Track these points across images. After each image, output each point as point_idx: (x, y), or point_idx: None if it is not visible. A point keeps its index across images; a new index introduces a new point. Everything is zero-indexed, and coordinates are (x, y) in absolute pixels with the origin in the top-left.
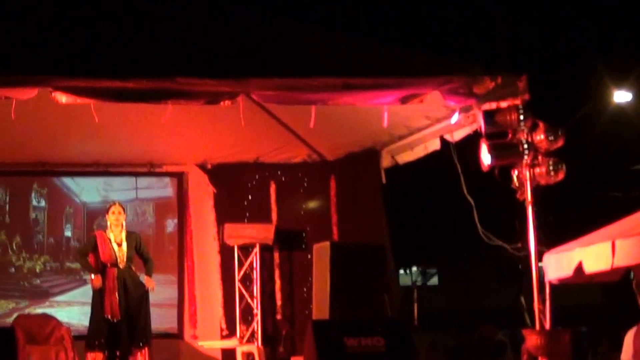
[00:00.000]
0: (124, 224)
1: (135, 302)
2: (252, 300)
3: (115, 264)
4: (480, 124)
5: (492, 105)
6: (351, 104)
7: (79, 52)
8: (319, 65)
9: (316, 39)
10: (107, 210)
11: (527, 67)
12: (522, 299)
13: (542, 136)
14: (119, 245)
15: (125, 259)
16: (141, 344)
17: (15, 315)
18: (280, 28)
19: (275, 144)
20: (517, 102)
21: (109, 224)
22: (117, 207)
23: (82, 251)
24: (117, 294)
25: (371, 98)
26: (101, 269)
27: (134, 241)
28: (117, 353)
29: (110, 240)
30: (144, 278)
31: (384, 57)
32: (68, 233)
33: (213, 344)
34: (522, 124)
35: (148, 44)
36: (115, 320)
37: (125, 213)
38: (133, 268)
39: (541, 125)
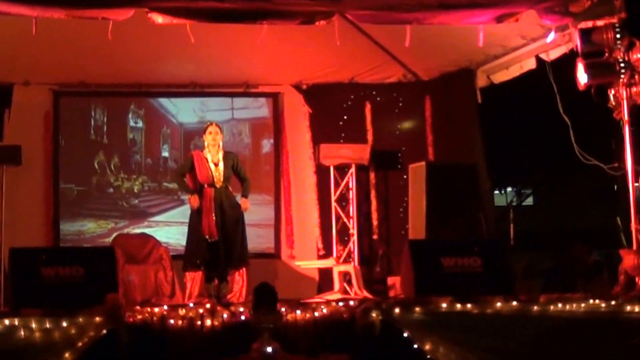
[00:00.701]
0: (221, 144)
1: (232, 222)
2: (349, 220)
3: (212, 184)
4: (577, 42)
5: (589, 24)
6: (446, 23)
7: None
8: None
9: None
10: (204, 131)
11: None
12: (619, 220)
13: (639, 55)
14: (216, 165)
15: (222, 179)
16: (238, 264)
17: (114, 235)
18: None
19: (370, 64)
20: (614, 20)
21: (206, 144)
22: (213, 127)
23: (180, 172)
24: (214, 214)
25: (466, 17)
26: (198, 189)
27: (231, 161)
28: (215, 273)
29: (207, 160)
30: (240, 199)
31: None
32: (165, 153)
33: (310, 264)
34: (618, 42)
35: None
36: (212, 240)
37: (222, 133)
38: (230, 188)
39: (638, 43)
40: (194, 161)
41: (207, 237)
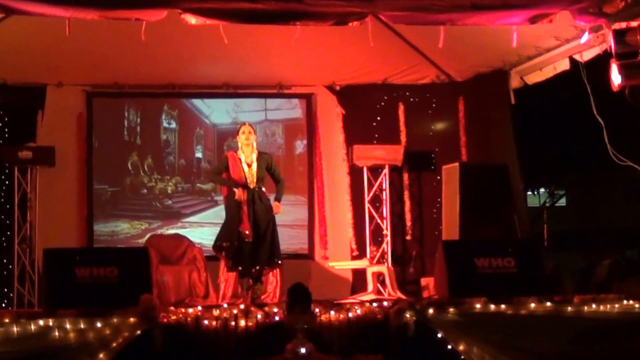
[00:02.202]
0: (255, 144)
1: (264, 223)
2: (382, 221)
3: (245, 185)
4: (610, 43)
5: (622, 25)
6: (480, 24)
7: None
8: None
9: None
10: (237, 131)
11: None
12: None
13: None
14: (249, 165)
15: (255, 180)
16: (272, 264)
17: (148, 235)
18: None
19: (404, 65)
20: None
21: (239, 144)
22: (247, 127)
23: (215, 171)
24: (247, 214)
25: (500, 18)
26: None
27: (265, 162)
28: (247, 271)
29: (241, 160)
30: (272, 202)
31: None
32: (199, 154)
33: (343, 265)
34: None
35: None
36: (245, 239)
37: (255, 133)
38: (264, 189)
39: None
40: (228, 161)
41: (241, 235)
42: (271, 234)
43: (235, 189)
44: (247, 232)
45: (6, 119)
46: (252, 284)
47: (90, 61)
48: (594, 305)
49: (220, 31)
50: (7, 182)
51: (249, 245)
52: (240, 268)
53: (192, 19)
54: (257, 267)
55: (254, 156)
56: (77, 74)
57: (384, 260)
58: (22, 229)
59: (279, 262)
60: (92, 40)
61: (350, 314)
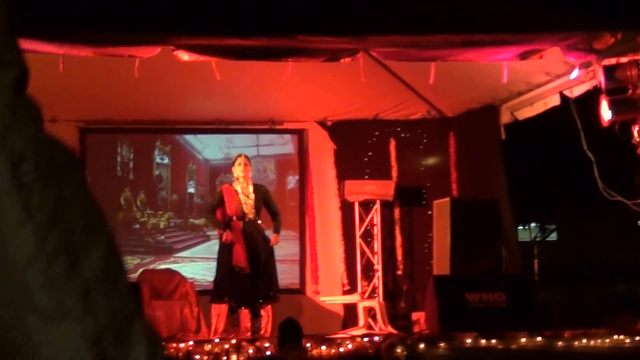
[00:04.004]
0: (251, 175)
1: (262, 256)
2: (373, 256)
3: (241, 217)
4: (600, 79)
5: (612, 61)
6: (471, 60)
7: (200, 10)
8: (438, 21)
9: None
10: (233, 162)
11: None
12: None
13: None
14: (247, 196)
15: (252, 212)
16: (269, 298)
17: (140, 270)
18: None
19: (395, 100)
20: (638, 57)
21: (235, 176)
22: (242, 158)
23: (209, 208)
24: (243, 247)
25: (490, 54)
26: (228, 221)
27: (262, 194)
28: (243, 306)
29: (237, 192)
30: (270, 234)
31: (503, 13)
32: (191, 190)
33: (335, 300)
34: None
35: (269, 2)
36: (242, 273)
37: (251, 165)
38: (260, 222)
39: None
40: (224, 194)
41: (236, 269)
42: (270, 267)
43: (222, 231)
44: (242, 266)
45: None
46: (251, 319)
47: (83, 97)
48: (584, 340)
49: (213, 67)
50: None
51: (247, 279)
52: (232, 305)
53: (184, 56)
54: (258, 302)
55: (251, 188)
56: (71, 110)
57: (375, 294)
58: None
59: (276, 296)
60: (85, 77)
61: (341, 349)
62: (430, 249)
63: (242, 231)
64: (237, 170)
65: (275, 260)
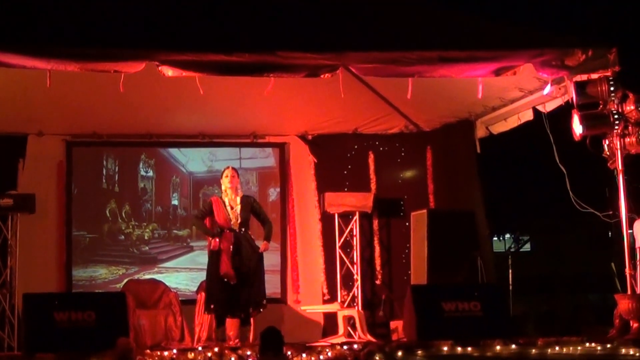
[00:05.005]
0: (239, 187)
1: (251, 265)
2: (352, 266)
3: (230, 228)
4: (572, 95)
5: (584, 77)
6: (447, 76)
7: (185, 27)
8: (415, 38)
9: (412, 13)
10: (221, 175)
11: (617, 38)
12: (613, 265)
13: (632, 107)
14: (233, 208)
15: (239, 222)
16: (257, 306)
17: (125, 280)
18: (377, 1)
19: (373, 115)
20: (608, 73)
21: (223, 188)
22: (230, 170)
23: (198, 216)
24: (232, 257)
25: (466, 70)
26: (218, 232)
27: (249, 204)
28: (232, 315)
29: (225, 203)
30: (260, 243)
31: (478, 30)
32: (175, 202)
33: (315, 309)
34: (612, 94)
35: (250, 18)
36: (231, 283)
37: (238, 177)
38: (249, 232)
39: (631, 96)
40: (213, 206)
41: (225, 279)
42: (259, 275)
43: (210, 238)
44: (230, 275)
45: None
46: (240, 327)
47: (70, 112)
48: (557, 348)
49: (197, 82)
50: None
51: (236, 289)
52: (231, 315)
53: (169, 71)
54: (248, 310)
55: (238, 199)
56: (57, 124)
57: (355, 304)
58: (2, 274)
59: (263, 304)
60: (72, 92)
61: (321, 357)
62: (408, 259)
63: (231, 241)
64: (225, 182)
65: (264, 270)
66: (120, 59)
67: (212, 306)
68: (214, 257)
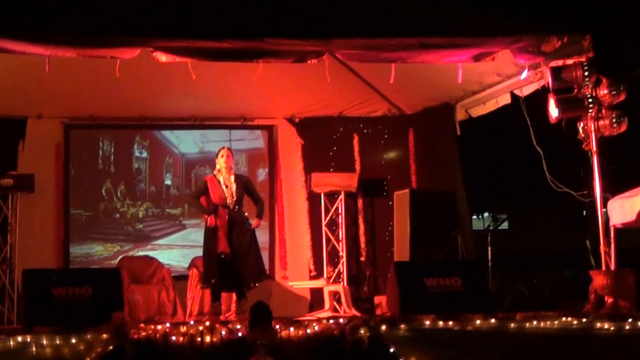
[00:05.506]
0: (232, 167)
1: (245, 240)
2: (338, 243)
3: (225, 205)
4: (548, 80)
5: (559, 63)
6: (428, 61)
7: (178, 15)
8: (398, 26)
9: (395, 1)
10: (216, 154)
11: (590, 25)
12: (588, 243)
13: (606, 91)
14: (228, 186)
15: (234, 200)
16: (257, 278)
17: (120, 257)
18: None
19: (358, 99)
20: (582, 59)
21: (218, 167)
22: (225, 150)
23: (194, 194)
24: (227, 233)
25: (446, 56)
26: (213, 210)
27: (243, 183)
28: (230, 289)
29: (219, 182)
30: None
31: (458, 18)
32: (168, 181)
33: (302, 284)
34: (586, 79)
35: (240, 6)
36: (226, 259)
37: (233, 157)
38: (243, 209)
39: (604, 80)
40: (208, 184)
41: (222, 255)
42: (254, 250)
43: (206, 216)
44: (227, 253)
45: None
46: (237, 300)
47: (67, 96)
48: (534, 322)
49: (189, 68)
50: None
51: (231, 266)
52: (228, 290)
53: (162, 57)
54: (245, 285)
55: (232, 178)
56: (56, 108)
57: (340, 279)
58: (2, 251)
59: (264, 275)
60: (69, 77)
61: (308, 330)
62: (391, 237)
63: (227, 219)
64: (220, 162)
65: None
66: (116, 45)
67: (212, 281)
68: (211, 234)
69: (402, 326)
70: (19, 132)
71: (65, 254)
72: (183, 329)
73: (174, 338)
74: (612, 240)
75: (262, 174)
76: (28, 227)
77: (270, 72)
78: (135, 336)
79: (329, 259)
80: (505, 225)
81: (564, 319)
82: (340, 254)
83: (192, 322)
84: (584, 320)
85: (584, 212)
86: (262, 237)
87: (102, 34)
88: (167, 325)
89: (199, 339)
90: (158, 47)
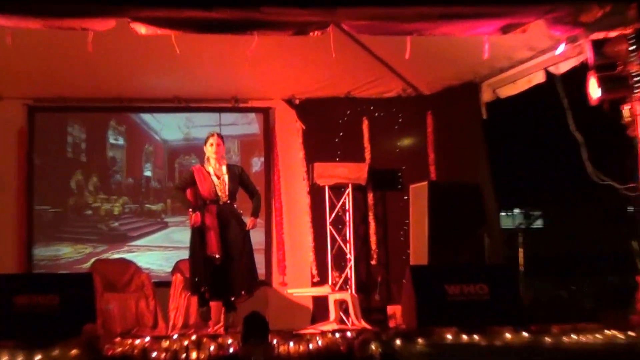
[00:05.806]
0: (224, 155)
1: (238, 245)
2: (345, 244)
3: (215, 200)
4: (588, 55)
5: (600, 35)
6: (449, 34)
7: None
8: None
9: None
10: (205, 142)
11: None
12: (634, 244)
13: None
14: (219, 178)
15: (227, 194)
16: (249, 288)
17: (92, 260)
18: None
19: (368, 77)
20: (628, 31)
21: (206, 156)
22: (215, 137)
23: (179, 186)
24: (218, 233)
25: (470, 28)
26: (201, 205)
27: (237, 174)
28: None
29: (209, 173)
30: (247, 219)
31: None
32: (148, 173)
33: (303, 292)
34: (632, 54)
35: None
36: (217, 262)
37: (224, 144)
38: (236, 205)
39: None
40: (195, 176)
41: (211, 258)
42: (247, 256)
43: (191, 212)
44: (216, 256)
45: None
46: (225, 312)
47: (32, 73)
48: (573, 336)
49: (173, 41)
50: None
51: (223, 269)
52: (216, 298)
53: (142, 29)
54: (236, 295)
55: (224, 168)
56: (18, 87)
57: (347, 286)
58: None
59: (256, 284)
60: (35, 51)
61: (310, 346)
62: (407, 237)
63: (216, 215)
64: (209, 151)
65: (252, 247)
66: (89, 15)
67: (202, 289)
68: (199, 233)
69: (420, 341)
70: None
71: (28, 256)
72: (165, 343)
73: (154, 354)
74: None
75: (256, 163)
76: None
77: (266, 46)
78: (110, 352)
79: (335, 262)
80: (538, 224)
81: (608, 332)
82: (348, 256)
83: (175, 336)
84: (631, 334)
85: (627, 208)
86: (257, 236)
87: (72, 2)
88: (147, 339)
89: (183, 355)
90: (137, 18)
